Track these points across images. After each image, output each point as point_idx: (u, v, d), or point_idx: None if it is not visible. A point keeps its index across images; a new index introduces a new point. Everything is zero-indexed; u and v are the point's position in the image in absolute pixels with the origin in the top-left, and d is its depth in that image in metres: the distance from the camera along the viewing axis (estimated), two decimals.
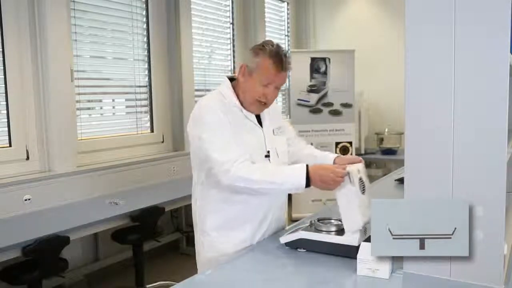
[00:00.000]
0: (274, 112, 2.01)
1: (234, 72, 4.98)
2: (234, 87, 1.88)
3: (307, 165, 1.70)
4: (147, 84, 4.23)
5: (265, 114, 1.93)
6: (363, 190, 1.65)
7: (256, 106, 1.84)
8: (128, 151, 3.98)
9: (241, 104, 1.85)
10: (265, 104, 1.84)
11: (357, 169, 1.66)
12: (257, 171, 1.71)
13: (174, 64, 4.35)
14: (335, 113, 5.24)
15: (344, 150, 5.23)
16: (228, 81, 1.89)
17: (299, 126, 4.55)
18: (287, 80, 6.00)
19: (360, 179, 1.66)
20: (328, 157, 1.98)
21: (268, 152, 1.86)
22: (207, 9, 4.86)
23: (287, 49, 6.16)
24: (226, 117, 1.78)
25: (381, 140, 5.70)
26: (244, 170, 1.70)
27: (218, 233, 1.86)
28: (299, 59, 5.22)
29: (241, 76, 1.83)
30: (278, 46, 1.81)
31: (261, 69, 1.77)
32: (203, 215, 1.90)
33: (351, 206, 1.60)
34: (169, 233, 4.25)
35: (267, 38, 5.03)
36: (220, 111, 1.79)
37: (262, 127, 1.89)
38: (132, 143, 4.07)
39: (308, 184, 1.68)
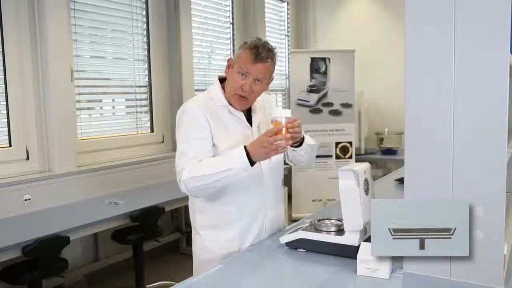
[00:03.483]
0: (270, 110, 2.00)
1: None
2: (224, 86, 1.88)
3: (244, 146, 1.70)
4: (147, 84, 4.23)
5: (258, 114, 1.92)
6: (366, 191, 1.65)
7: (236, 100, 1.82)
8: (128, 151, 3.98)
9: (230, 103, 1.85)
10: (245, 98, 1.81)
11: (363, 169, 1.66)
12: (202, 166, 1.71)
13: (174, 64, 4.35)
14: (335, 113, 5.24)
15: (344, 150, 5.24)
16: (218, 81, 1.90)
17: None
18: (287, 80, 6.01)
19: (366, 180, 1.66)
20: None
21: None
22: (207, 9, 4.86)
23: (286, 48, 6.16)
24: (207, 119, 1.78)
25: (381, 140, 5.71)
26: (190, 171, 1.72)
27: (206, 231, 1.87)
28: (299, 59, 5.23)
29: (227, 69, 1.85)
30: (260, 39, 1.82)
31: (239, 59, 1.78)
32: (194, 213, 1.92)
33: (354, 206, 1.60)
34: (169, 233, 4.25)
35: (267, 38, 5.04)
36: (199, 113, 1.78)
37: (251, 126, 1.88)
38: (132, 143, 4.07)
39: (252, 161, 1.68)
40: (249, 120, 1.89)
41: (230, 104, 1.84)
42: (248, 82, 1.77)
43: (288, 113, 1.71)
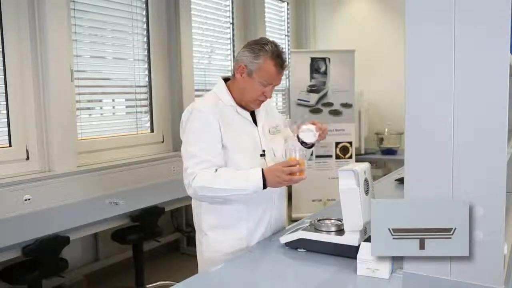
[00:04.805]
0: (271, 110, 2.03)
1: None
2: (229, 86, 1.89)
3: (262, 168, 1.75)
4: (147, 84, 4.22)
5: (261, 113, 1.94)
6: (366, 191, 1.65)
7: (256, 104, 1.88)
8: (128, 151, 3.98)
9: (237, 103, 1.87)
10: (263, 100, 1.89)
11: (363, 169, 1.67)
12: (217, 180, 1.73)
13: (174, 64, 4.35)
14: (335, 113, 5.24)
15: (344, 150, 5.24)
16: (223, 82, 1.91)
17: None
18: (287, 80, 6.01)
19: (366, 180, 1.66)
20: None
21: (264, 151, 1.87)
22: (207, 9, 4.86)
23: (286, 48, 6.16)
24: (217, 120, 1.79)
25: (381, 140, 5.71)
26: (203, 180, 1.73)
27: (214, 232, 1.88)
28: (299, 59, 5.22)
29: (240, 75, 1.84)
30: (276, 45, 1.82)
31: (263, 70, 1.79)
32: (199, 215, 1.92)
33: (354, 205, 1.60)
34: (169, 233, 4.25)
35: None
36: (209, 114, 1.79)
37: (257, 126, 1.91)
38: (132, 143, 4.07)
39: (265, 185, 1.73)
40: (253, 119, 1.92)
41: (238, 105, 1.87)
42: (270, 89, 1.85)
43: (301, 148, 1.81)
